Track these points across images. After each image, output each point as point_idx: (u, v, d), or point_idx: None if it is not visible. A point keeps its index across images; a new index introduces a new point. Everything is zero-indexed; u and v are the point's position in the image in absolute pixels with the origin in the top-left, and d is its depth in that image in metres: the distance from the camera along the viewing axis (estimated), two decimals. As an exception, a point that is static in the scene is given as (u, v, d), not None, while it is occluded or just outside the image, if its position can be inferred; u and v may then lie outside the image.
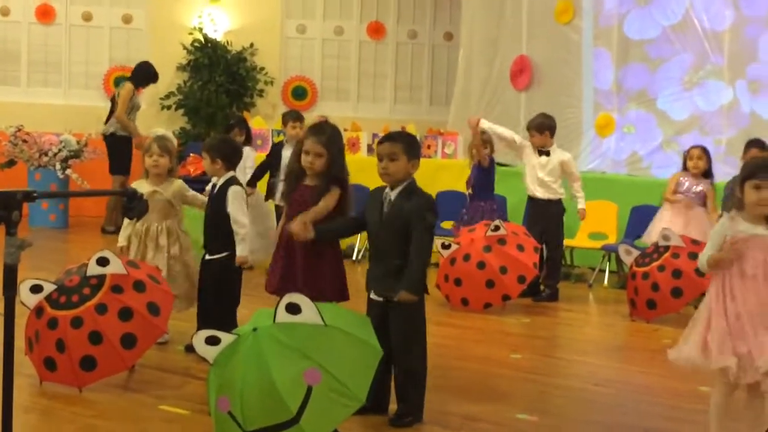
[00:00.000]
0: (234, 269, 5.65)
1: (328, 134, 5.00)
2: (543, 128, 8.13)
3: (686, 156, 8.38)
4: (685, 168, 8.35)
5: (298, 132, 9.03)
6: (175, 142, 6.28)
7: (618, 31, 10.40)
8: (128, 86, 11.29)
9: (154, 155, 5.88)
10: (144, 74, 11.59)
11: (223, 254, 5.61)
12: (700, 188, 8.19)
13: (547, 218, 8.06)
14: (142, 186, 5.89)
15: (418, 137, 11.07)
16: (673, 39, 9.95)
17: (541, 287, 8.12)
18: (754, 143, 7.96)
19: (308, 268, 4.96)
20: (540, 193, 8.11)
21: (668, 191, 8.35)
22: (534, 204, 8.19)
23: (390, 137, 4.63)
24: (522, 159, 8.28)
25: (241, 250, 5.57)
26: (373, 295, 4.56)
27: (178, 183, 5.98)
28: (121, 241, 5.94)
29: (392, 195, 4.50)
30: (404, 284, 4.39)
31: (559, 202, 8.12)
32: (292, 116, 9.14)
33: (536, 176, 8.11)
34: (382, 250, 4.53)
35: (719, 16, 9.59)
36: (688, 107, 9.83)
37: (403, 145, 4.49)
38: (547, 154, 8.12)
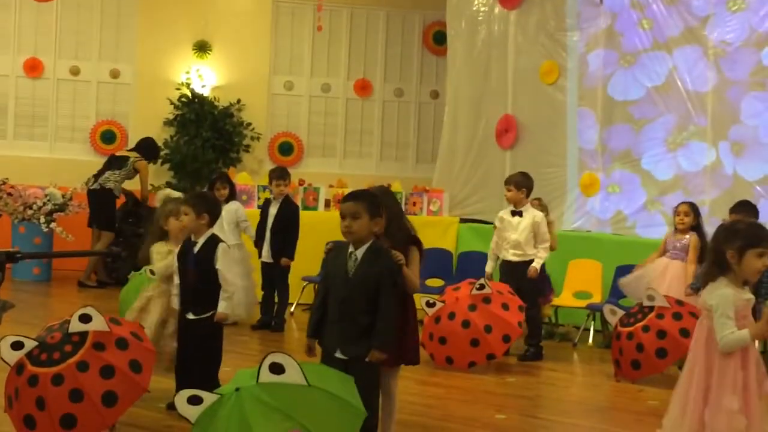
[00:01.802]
0: (219, 327, 5.63)
1: (363, 196, 4.89)
2: (521, 185, 8.14)
3: (675, 213, 8.28)
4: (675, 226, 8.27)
5: (282, 190, 9.05)
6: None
7: (602, 91, 10.51)
8: (145, 163, 12.06)
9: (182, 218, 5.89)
10: (152, 150, 12.39)
11: (211, 312, 5.57)
12: (684, 241, 8.13)
13: (520, 279, 7.99)
14: (161, 247, 5.94)
15: (404, 194, 11.17)
16: (657, 100, 10.05)
17: (525, 347, 8.10)
18: (735, 207, 7.90)
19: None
20: (512, 256, 8.08)
21: (656, 253, 8.23)
22: (507, 266, 8.13)
23: (353, 196, 4.61)
24: (500, 232, 8.24)
25: (225, 308, 5.54)
26: (338, 354, 4.51)
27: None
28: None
29: (358, 254, 4.49)
30: (377, 344, 4.39)
31: (531, 262, 8.08)
32: (276, 174, 9.15)
33: (508, 238, 8.09)
34: (350, 310, 4.47)
35: (702, 78, 9.70)
36: (672, 168, 9.90)
37: (365, 204, 4.49)
38: (520, 214, 8.12)
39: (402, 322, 4.73)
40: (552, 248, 8.27)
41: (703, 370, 4.18)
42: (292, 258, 8.96)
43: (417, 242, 4.92)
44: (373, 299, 4.41)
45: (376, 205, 4.56)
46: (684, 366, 4.40)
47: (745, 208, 7.77)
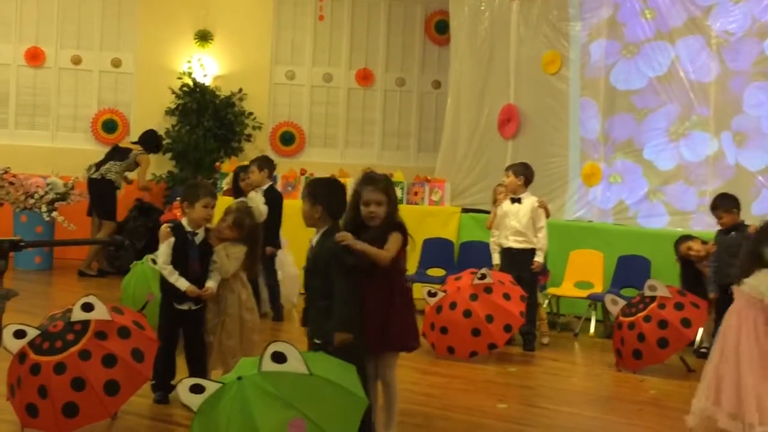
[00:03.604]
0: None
1: (384, 181, 4.96)
2: (519, 173, 8.17)
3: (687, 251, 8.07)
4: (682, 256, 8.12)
5: (247, 182, 9.01)
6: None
7: (605, 81, 10.48)
8: (148, 158, 12.12)
9: (226, 222, 5.88)
10: (154, 143, 12.36)
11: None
12: None
13: (521, 268, 7.97)
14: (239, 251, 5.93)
15: (405, 183, 11.17)
16: (659, 90, 10.02)
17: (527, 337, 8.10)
18: (719, 203, 7.88)
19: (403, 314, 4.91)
20: (514, 243, 8.08)
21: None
22: (508, 253, 8.12)
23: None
24: (500, 221, 8.23)
25: (213, 285, 5.72)
26: (316, 339, 4.57)
27: (240, 250, 5.92)
28: None
29: (314, 240, 4.64)
30: (334, 326, 4.43)
31: (533, 251, 8.08)
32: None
33: (509, 225, 8.10)
34: (311, 293, 4.64)
35: (704, 68, 9.67)
36: (674, 158, 9.88)
37: (307, 190, 4.71)
38: (519, 201, 8.13)
39: (385, 306, 4.73)
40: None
41: (756, 357, 4.38)
42: (277, 246, 8.90)
43: (400, 227, 4.88)
44: (328, 283, 4.49)
45: (316, 193, 4.69)
46: (717, 352, 4.50)
47: (727, 202, 7.78)
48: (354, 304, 4.51)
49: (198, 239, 5.68)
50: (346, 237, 4.55)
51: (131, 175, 12.12)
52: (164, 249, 5.65)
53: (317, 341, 4.54)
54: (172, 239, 5.63)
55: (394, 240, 4.76)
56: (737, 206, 7.76)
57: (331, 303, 4.46)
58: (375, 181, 4.86)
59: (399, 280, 4.89)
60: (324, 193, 4.71)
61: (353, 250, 4.53)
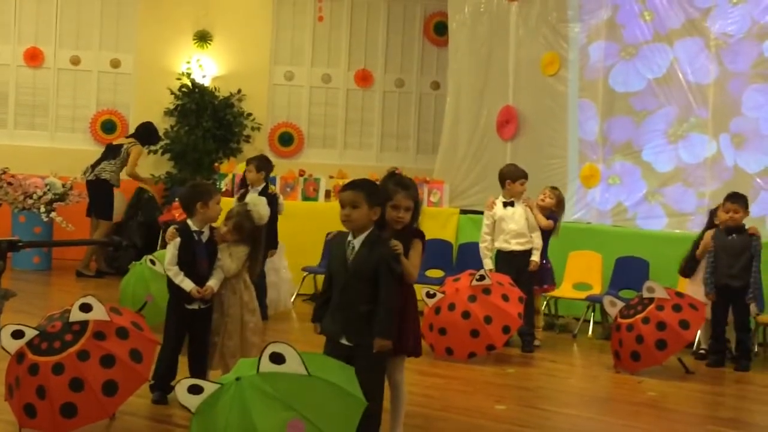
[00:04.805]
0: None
1: (414, 187, 4.92)
2: (525, 176, 8.17)
3: (717, 211, 7.92)
4: (714, 225, 7.96)
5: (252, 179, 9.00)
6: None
7: (603, 83, 10.49)
8: (139, 148, 11.93)
9: (227, 226, 5.89)
10: (149, 134, 12.25)
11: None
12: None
13: (520, 270, 7.97)
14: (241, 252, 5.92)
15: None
16: (658, 92, 10.03)
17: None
18: (732, 198, 7.86)
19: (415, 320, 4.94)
20: (516, 245, 8.05)
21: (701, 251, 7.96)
22: (509, 256, 8.08)
23: (352, 185, 4.61)
24: (497, 225, 8.20)
25: (215, 284, 5.73)
26: (343, 341, 4.51)
27: (243, 250, 5.92)
28: None
29: (356, 243, 4.49)
30: (378, 332, 4.39)
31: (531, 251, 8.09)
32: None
33: (508, 229, 8.08)
34: (350, 298, 4.49)
35: (703, 70, 9.69)
36: (673, 159, 9.89)
37: (364, 193, 4.49)
38: (512, 204, 8.12)
39: (401, 311, 4.73)
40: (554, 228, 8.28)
41: None
42: (274, 247, 8.86)
43: (421, 235, 4.91)
44: (372, 287, 4.42)
45: (375, 195, 4.56)
46: None
47: (743, 200, 7.78)
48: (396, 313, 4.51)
49: (204, 237, 5.71)
50: (398, 246, 4.55)
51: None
52: (170, 249, 5.68)
53: (347, 343, 4.48)
54: (178, 240, 5.65)
55: (417, 251, 4.78)
56: (747, 208, 7.75)
57: (375, 308, 4.40)
58: (407, 186, 4.81)
59: (411, 285, 4.91)
60: (382, 196, 4.65)
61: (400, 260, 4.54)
